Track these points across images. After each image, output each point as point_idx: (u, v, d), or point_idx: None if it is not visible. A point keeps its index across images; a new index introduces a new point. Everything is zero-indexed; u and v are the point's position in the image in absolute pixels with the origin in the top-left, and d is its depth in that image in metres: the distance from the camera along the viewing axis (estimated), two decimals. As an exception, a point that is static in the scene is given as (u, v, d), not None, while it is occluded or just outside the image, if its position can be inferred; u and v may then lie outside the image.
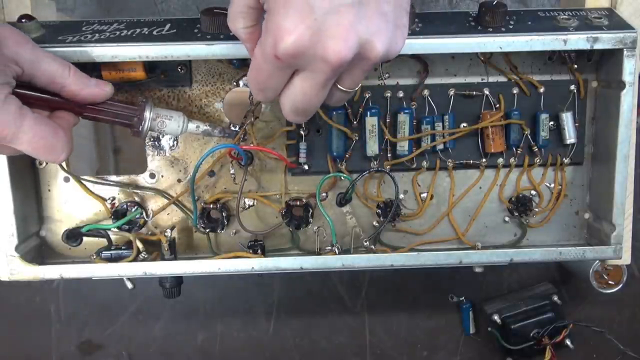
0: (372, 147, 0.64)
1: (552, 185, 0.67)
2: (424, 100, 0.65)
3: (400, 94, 0.64)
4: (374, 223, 0.67)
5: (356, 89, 0.51)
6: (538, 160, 0.66)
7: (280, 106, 0.51)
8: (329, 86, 0.49)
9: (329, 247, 0.64)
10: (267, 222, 0.67)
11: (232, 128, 0.64)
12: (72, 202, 0.65)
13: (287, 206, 0.65)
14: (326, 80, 0.47)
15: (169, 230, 0.65)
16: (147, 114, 0.57)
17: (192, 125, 0.59)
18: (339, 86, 0.50)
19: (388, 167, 0.65)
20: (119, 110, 0.56)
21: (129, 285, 0.67)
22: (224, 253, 0.65)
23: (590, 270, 0.83)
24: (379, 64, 0.62)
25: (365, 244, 0.65)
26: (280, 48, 0.44)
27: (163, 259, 0.64)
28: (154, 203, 0.66)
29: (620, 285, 0.85)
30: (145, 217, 0.65)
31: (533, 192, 0.67)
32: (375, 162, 0.65)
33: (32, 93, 0.53)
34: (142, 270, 0.62)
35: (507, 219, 0.68)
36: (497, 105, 0.65)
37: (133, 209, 0.65)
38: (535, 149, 0.66)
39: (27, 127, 0.49)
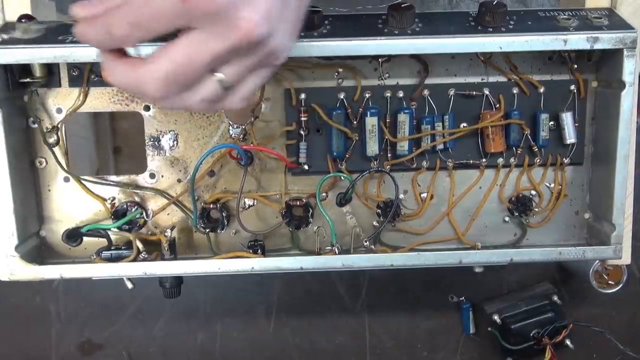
0: (372, 147, 0.64)
1: (552, 185, 0.67)
2: (424, 100, 0.65)
3: (400, 94, 0.64)
4: (374, 223, 0.67)
5: (243, 103, 0.46)
6: (538, 160, 0.66)
7: (147, 76, 0.42)
8: (214, 62, 0.41)
9: (329, 247, 0.64)
10: (267, 222, 0.67)
11: (232, 129, 0.64)
12: (72, 202, 0.65)
13: (287, 206, 0.65)
14: (221, 51, 0.40)
15: (169, 230, 0.65)
16: None
17: None
18: (215, 74, 0.42)
19: (388, 167, 0.65)
20: None
21: (129, 285, 0.67)
22: (224, 253, 0.65)
23: (590, 270, 0.83)
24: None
25: (365, 244, 0.65)
26: None
27: (163, 259, 0.64)
28: (154, 203, 0.66)
29: (620, 285, 0.85)
30: (145, 217, 0.65)
31: (533, 192, 0.67)
32: (375, 162, 0.65)
33: None
34: (142, 270, 0.62)
35: (507, 219, 0.68)
36: (497, 105, 0.65)
37: (133, 209, 0.65)
38: (535, 149, 0.66)
39: None
